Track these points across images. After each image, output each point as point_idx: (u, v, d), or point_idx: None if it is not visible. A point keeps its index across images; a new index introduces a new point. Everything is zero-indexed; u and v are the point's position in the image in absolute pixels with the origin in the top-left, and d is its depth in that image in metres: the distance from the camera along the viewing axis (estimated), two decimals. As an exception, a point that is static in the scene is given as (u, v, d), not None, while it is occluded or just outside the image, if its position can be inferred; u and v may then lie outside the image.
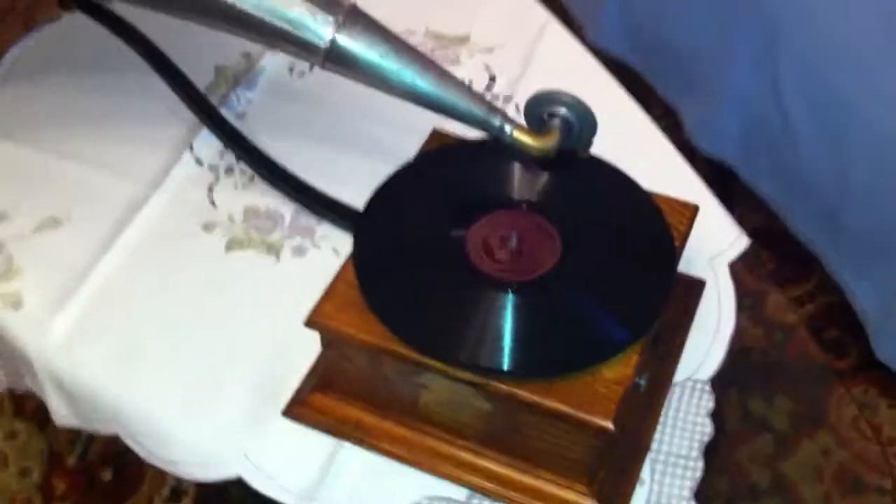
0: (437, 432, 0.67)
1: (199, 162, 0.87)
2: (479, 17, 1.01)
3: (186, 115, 0.90)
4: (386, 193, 0.69)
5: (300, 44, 0.66)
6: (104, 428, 0.74)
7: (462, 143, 0.74)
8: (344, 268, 0.66)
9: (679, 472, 0.68)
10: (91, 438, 1.16)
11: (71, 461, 1.15)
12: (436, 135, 0.76)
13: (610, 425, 0.58)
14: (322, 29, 0.65)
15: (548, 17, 1.02)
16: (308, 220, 0.82)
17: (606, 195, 0.70)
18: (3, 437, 1.15)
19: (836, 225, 1.05)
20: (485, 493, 0.66)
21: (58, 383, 0.74)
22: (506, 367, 0.59)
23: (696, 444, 0.69)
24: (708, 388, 0.72)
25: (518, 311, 0.62)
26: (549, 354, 0.60)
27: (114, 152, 0.87)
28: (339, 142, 0.87)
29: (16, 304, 0.76)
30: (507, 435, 0.64)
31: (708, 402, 0.71)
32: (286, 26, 0.65)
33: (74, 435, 1.15)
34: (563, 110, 0.67)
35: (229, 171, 0.86)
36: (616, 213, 0.69)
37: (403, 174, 0.71)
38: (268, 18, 0.65)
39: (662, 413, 0.70)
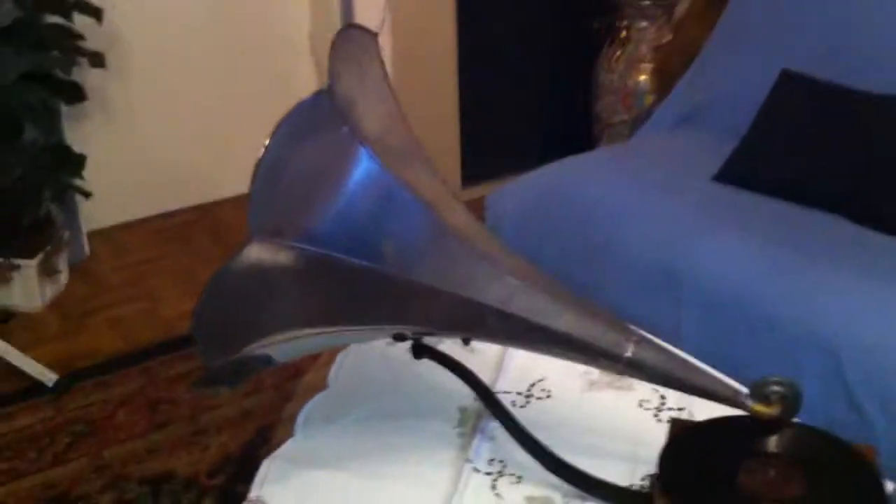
0: None
1: (476, 470, 1.17)
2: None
3: (454, 439, 1.21)
4: (671, 460, 1.01)
5: (610, 358, 1.00)
6: None
7: (705, 423, 1.07)
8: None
9: None
10: None
11: None
12: (676, 422, 1.09)
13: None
14: (625, 347, 1.00)
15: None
16: (575, 501, 1.11)
17: (816, 445, 1.03)
18: None
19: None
20: None
21: None
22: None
23: None
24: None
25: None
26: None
27: (412, 470, 1.17)
28: (567, 448, 1.18)
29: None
30: None
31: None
32: (604, 348, 1.00)
33: None
34: (779, 388, 1.01)
35: (500, 473, 1.16)
36: (827, 454, 1.01)
37: (678, 445, 1.03)
38: (596, 345, 1.00)
39: None
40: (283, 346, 1.11)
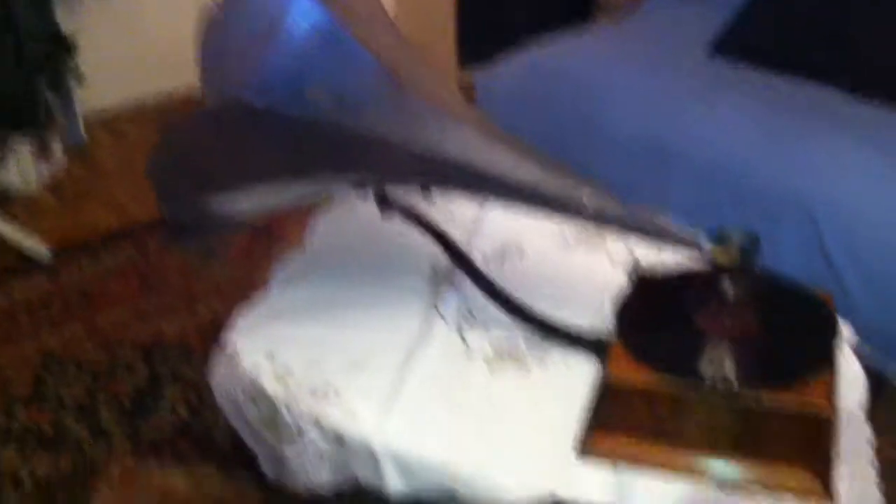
0: (696, 451, 0.95)
1: (445, 319, 1.19)
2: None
3: (425, 292, 1.23)
4: (628, 306, 1.03)
5: (570, 208, 1.01)
6: (440, 488, 1.01)
7: (665, 273, 1.09)
8: (614, 350, 0.98)
9: (859, 459, 0.97)
10: None
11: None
12: (637, 272, 1.10)
13: (831, 413, 0.89)
14: (584, 198, 1.01)
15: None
16: (539, 347, 1.13)
17: (774, 291, 1.04)
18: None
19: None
20: (737, 490, 0.94)
21: (398, 463, 1.01)
22: (761, 381, 0.91)
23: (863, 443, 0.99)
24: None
25: (758, 353, 0.94)
26: (784, 372, 0.92)
27: (382, 322, 1.19)
28: (537, 302, 1.19)
29: (352, 415, 1.05)
30: (749, 438, 0.93)
31: (863, 417, 1.02)
32: (565, 199, 1.01)
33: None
34: (738, 236, 1.01)
35: (469, 323, 1.19)
36: (785, 295, 1.03)
37: (636, 292, 1.05)
38: (555, 196, 1.01)
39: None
40: (243, 201, 1.12)
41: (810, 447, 0.93)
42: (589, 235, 1.36)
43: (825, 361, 0.94)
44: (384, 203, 1.17)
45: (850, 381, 1.05)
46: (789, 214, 1.53)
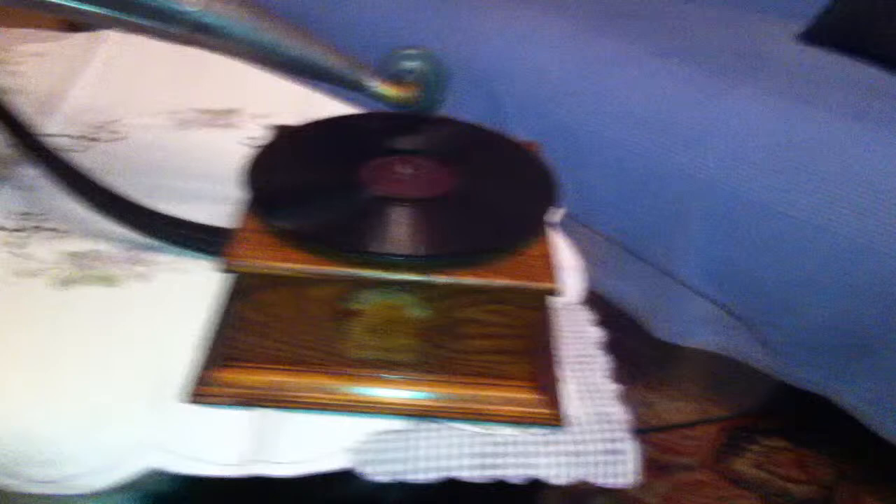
0: (368, 372, 0.65)
1: (1, 228, 0.80)
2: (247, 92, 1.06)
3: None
4: (265, 158, 0.70)
5: (170, 18, 0.66)
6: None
7: (323, 121, 0.77)
8: (245, 218, 0.65)
9: (588, 367, 0.71)
10: None
11: None
12: (282, 128, 0.78)
13: (556, 286, 0.61)
14: (189, 3, 0.66)
15: (306, 90, 1.08)
16: (142, 255, 0.78)
17: (470, 135, 0.76)
18: None
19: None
20: (432, 415, 0.64)
21: None
22: (447, 251, 0.61)
23: (591, 347, 0.73)
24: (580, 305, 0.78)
25: (440, 214, 0.65)
26: (478, 240, 0.63)
27: None
28: (147, 194, 0.84)
29: None
30: (445, 346, 0.64)
31: (587, 314, 0.76)
32: (163, 7, 0.65)
33: None
34: (414, 63, 0.72)
35: (37, 228, 0.80)
36: (491, 150, 0.75)
37: (275, 144, 0.72)
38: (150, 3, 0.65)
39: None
40: None
41: (528, 351, 0.65)
42: (210, 113, 1.02)
43: (539, 227, 0.66)
44: None
45: (563, 263, 0.80)
46: (468, 87, 1.30)
